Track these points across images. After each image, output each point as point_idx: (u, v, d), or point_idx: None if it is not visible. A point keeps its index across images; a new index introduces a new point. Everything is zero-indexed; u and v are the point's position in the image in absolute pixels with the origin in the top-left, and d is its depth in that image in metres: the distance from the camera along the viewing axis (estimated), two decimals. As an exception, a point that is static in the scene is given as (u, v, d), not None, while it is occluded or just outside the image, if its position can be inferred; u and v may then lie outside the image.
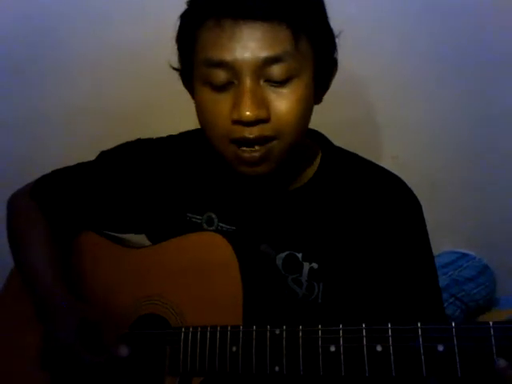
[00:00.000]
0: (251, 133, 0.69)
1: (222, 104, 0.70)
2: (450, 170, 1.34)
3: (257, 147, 0.71)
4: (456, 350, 0.52)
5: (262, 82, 0.69)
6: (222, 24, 0.68)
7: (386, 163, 0.84)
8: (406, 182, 0.82)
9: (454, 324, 0.53)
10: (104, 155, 0.91)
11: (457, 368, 0.52)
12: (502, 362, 0.51)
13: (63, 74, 1.29)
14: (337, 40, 0.76)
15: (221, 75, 0.69)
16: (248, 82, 0.68)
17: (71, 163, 0.93)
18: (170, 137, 0.90)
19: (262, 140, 0.70)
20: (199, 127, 0.77)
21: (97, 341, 0.74)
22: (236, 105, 0.68)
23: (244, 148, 0.71)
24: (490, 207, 1.34)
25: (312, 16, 0.71)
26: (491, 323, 0.51)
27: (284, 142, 0.71)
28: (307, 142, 0.83)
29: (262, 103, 0.68)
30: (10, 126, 1.32)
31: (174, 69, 0.79)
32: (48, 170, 0.93)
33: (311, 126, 0.78)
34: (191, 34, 0.72)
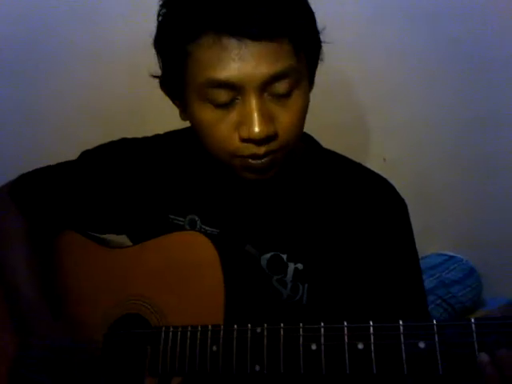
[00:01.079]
0: (260, 150, 0.68)
1: (227, 121, 0.68)
2: (438, 173, 1.34)
3: (265, 158, 0.70)
4: (437, 347, 0.51)
5: (266, 96, 0.67)
6: (223, 42, 0.65)
7: (374, 165, 0.84)
8: (395, 185, 0.81)
9: (435, 321, 0.53)
10: (86, 155, 0.90)
11: (438, 365, 0.51)
12: (483, 357, 0.50)
13: (58, 72, 1.29)
14: (322, 38, 0.74)
15: (224, 95, 0.67)
16: (254, 99, 0.66)
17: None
18: (156, 136, 0.89)
19: (269, 153, 0.69)
20: (188, 125, 0.76)
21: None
22: (244, 123, 0.67)
23: (251, 160, 0.70)
24: (477, 210, 1.35)
25: (308, 28, 0.70)
26: (473, 319, 0.51)
27: (286, 149, 0.71)
28: None
29: (269, 119, 0.67)
30: (3, 124, 1.32)
31: (155, 77, 0.75)
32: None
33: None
34: (181, 48, 0.68)
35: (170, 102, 0.77)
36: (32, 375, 0.75)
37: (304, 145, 0.83)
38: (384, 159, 1.31)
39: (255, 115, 0.66)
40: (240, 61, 0.65)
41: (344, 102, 1.29)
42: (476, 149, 1.31)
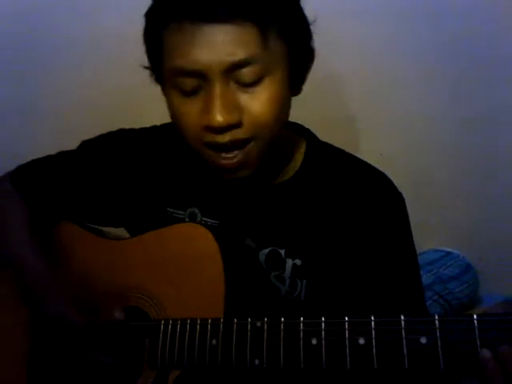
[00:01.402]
0: (223, 138, 0.67)
1: (192, 109, 0.68)
2: (435, 169, 1.34)
3: (235, 152, 0.68)
4: (439, 343, 0.51)
5: (231, 84, 0.66)
6: (183, 28, 0.64)
7: (371, 161, 0.83)
8: (392, 180, 0.81)
9: (437, 316, 0.52)
10: (85, 145, 0.89)
11: (440, 360, 0.51)
12: (486, 353, 0.50)
13: (55, 66, 1.28)
14: (313, 28, 0.72)
15: (188, 82, 0.66)
16: (217, 86, 0.65)
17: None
18: (154, 127, 0.89)
19: (237, 144, 0.68)
20: None
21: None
22: (205, 110, 0.66)
23: (223, 154, 0.69)
24: (474, 206, 1.35)
25: (281, 9, 0.67)
26: (475, 316, 0.51)
27: (261, 142, 0.69)
28: (290, 135, 0.81)
29: (233, 108, 0.66)
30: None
31: (146, 67, 0.75)
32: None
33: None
34: (157, 35, 0.68)
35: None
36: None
37: (302, 138, 0.83)
38: (381, 154, 1.30)
39: (216, 102, 0.65)
40: (198, 47, 0.64)
41: (341, 97, 1.29)
42: (473, 145, 1.31)
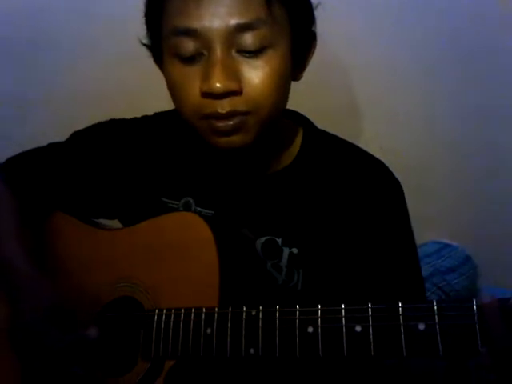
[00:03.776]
0: (223, 108, 0.65)
1: (191, 77, 0.66)
2: (435, 161, 1.34)
3: (231, 120, 0.67)
4: (437, 329, 0.50)
5: (233, 53, 0.65)
6: None
7: (372, 152, 0.82)
8: (392, 171, 0.80)
9: (435, 302, 0.51)
10: (76, 135, 0.88)
11: (438, 346, 0.50)
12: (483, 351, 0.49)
13: (49, 59, 1.28)
14: (316, 13, 0.72)
15: (189, 45, 0.65)
16: (218, 51, 0.64)
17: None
18: (145, 117, 0.87)
19: (234, 114, 0.66)
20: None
21: (68, 323, 0.71)
22: (206, 76, 0.65)
23: (220, 123, 0.67)
24: (473, 198, 1.34)
25: None
26: (474, 301, 0.50)
27: (259, 116, 0.67)
28: (287, 122, 0.80)
29: (234, 74, 0.65)
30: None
31: (144, 44, 0.74)
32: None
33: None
34: (159, 3, 0.68)
35: (162, 87, 0.76)
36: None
37: (299, 126, 0.82)
38: (381, 147, 1.30)
39: (217, 67, 0.64)
40: (202, 8, 0.63)
41: (342, 89, 1.28)
42: (473, 138, 1.30)
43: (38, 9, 1.24)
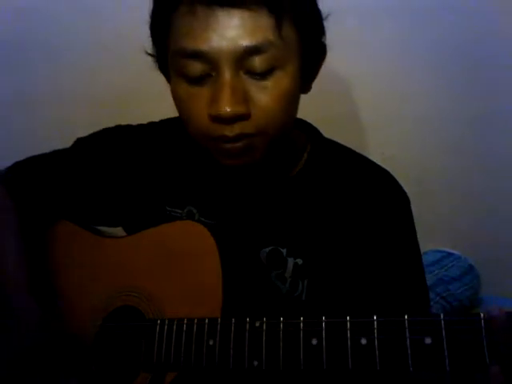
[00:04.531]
0: (231, 131, 0.64)
1: (199, 98, 0.65)
2: (437, 169, 1.33)
3: (239, 141, 0.66)
4: (444, 343, 0.50)
5: (242, 74, 0.64)
6: (195, 11, 0.62)
7: (373, 159, 0.82)
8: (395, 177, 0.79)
9: (442, 316, 0.51)
10: (80, 142, 0.87)
11: (445, 361, 0.49)
12: (494, 368, 0.48)
13: (53, 61, 1.28)
14: (325, 24, 0.71)
15: (197, 67, 0.64)
16: (227, 74, 0.63)
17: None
18: (151, 124, 0.87)
19: (242, 137, 0.65)
20: None
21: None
22: (214, 99, 0.63)
23: (229, 145, 0.66)
24: (475, 207, 1.34)
25: (298, 2, 0.65)
26: (482, 315, 0.49)
27: (268, 136, 0.67)
28: (295, 132, 0.79)
29: (242, 98, 0.63)
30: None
31: (149, 54, 0.73)
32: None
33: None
34: (165, 18, 0.66)
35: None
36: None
37: (305, 134, 0.81)
38: (382, 154, 1.29)
39: (225, 91, 0.62)
40: (210, 30, 0.62)
41: (343, 96, 1.28)
42: (475, 145, 1.30)
43: (35, 10, 1.24)
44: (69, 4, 1.23)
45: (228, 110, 0.62)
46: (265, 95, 0.64)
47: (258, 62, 0.63)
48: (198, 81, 0.65)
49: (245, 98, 0.63)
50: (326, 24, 0.71)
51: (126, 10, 1.18)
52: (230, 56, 0.62)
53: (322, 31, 0.71)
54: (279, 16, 0.62)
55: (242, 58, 0.62)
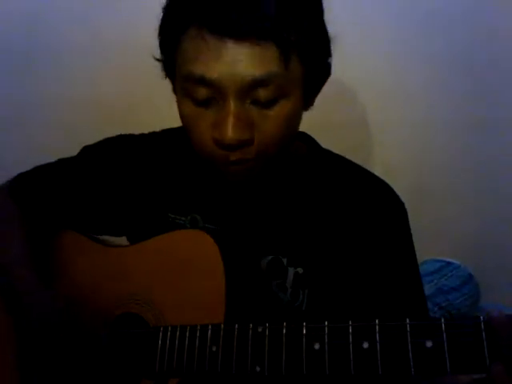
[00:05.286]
0: (234, 155, 0.67)
1: (204, 119, 0.67)
2: (436, 178, 1.34)
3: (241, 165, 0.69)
4: (445, 346, 0.50)
5: (246, 103, 0.65)
6: (204, 37, 0.62)
7: (373, 168, 0.83)
8: (393, 188, 0.80)
9: (443, 319, 0.51)
10: (87, 150, 0.88)
11: (446, 364, 0.50)
12: (497, 367, 0.49)
13: (54, 67, 1.29)
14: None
15: (203, 91, 0.65)
16: (232, 103, 0.64)
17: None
18: (153, 133, 0.88)
19: (244, 162, 0.68)
20: None
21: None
22: (218, 123, 0.65)
23: (232, 167, 0.69)
24: (475, 216, 1.34)
25: (305, 31, 0.65)
26: (482, 318, 0.50)
27: (269, 159, 0.69)
28: (295, 143, 0.80)
29: (246, 125, 0.65)
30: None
31: (157, 60, 0.74)
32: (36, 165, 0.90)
33: (300, 128, 0.76)
34: (174, 38, 0.67)
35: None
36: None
37: (305, 145, 0.82)
38: (382, 162, 1.30)
39: (229, 120, 0.64)
40: (218, 60, 0.62)
41: (345, 103, 1.28)
42: (475, 153, 1.30)
43: (36, 15, 1.25)
44: (73, 9, 1.24)
45: (232, 137, 0.64)
46: (268, 122, 0.66)
47: (263, 93, 0.64)
48: (203, 103, 0.66)
49: (248, 125, 0.65)
50: (330, 30, 0.71)
51: (132, 16, 1.19)
52: (236, 86, 0.63)
53: (328, 55, 0.72)
54: (286, 50, 0.63)
55: (249, 89, 0.64)
